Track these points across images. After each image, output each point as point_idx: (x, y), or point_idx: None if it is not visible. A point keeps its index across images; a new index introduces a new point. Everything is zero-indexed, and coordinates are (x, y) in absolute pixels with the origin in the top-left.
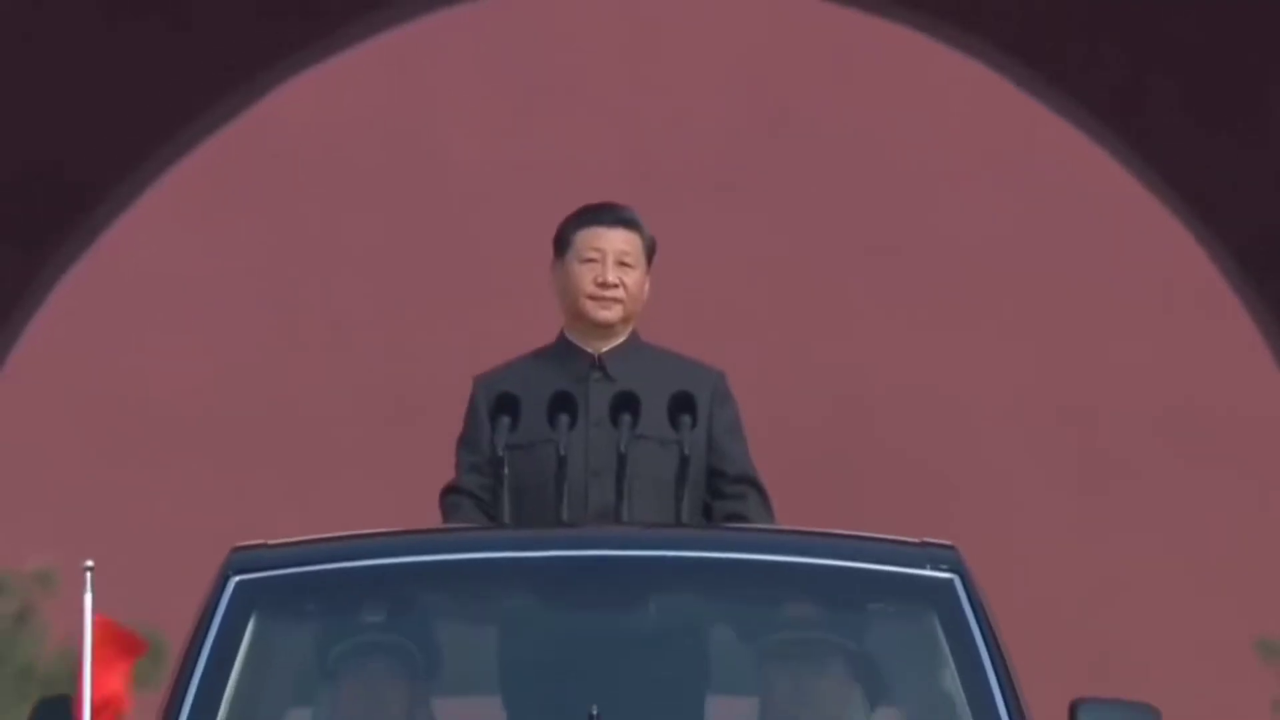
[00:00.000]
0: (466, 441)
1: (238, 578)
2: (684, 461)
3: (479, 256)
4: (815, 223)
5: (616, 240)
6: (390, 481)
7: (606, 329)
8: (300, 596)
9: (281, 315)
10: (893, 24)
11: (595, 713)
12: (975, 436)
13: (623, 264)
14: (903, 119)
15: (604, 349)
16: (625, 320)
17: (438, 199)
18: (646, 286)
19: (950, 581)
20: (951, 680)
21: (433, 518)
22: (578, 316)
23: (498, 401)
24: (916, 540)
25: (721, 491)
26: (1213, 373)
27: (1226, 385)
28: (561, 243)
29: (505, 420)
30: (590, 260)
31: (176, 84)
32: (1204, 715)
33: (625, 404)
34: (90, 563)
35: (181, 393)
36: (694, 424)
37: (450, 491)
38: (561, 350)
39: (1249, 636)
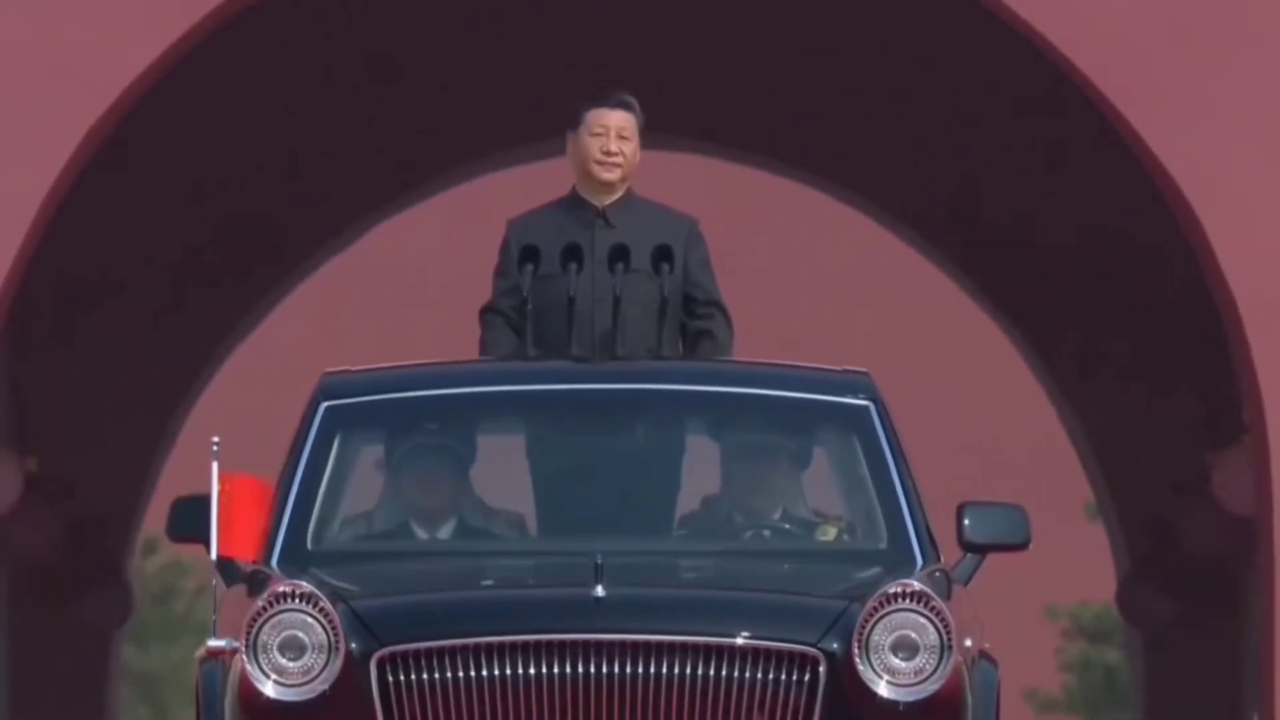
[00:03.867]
0: (501, 272)
1: (326, 403)
2: (664, 300)
3: None
4: None
5: (617, 119)
6: None
7: (609, 186)
8: (373, 416)
9: None
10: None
11: (600, 561)
12: None
13: (622, 137)
14: None
15: (606, 201)
16: (623, 180)
17: None
18: (638, 155)
19: (866, 408)
20: (866, 475)
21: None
22: (587, 176)
23: (523, 252)
24: (838, 370)
25: (694, 312)
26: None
27: None
28: (574, 120)
29: (529, 267)
30: (597, 134)
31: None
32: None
33: (620, 255)
34: (217, 439)
35: None
36: (671, 270)
37: (487, 310)
38: (574, 202)
39: (1038, 602)
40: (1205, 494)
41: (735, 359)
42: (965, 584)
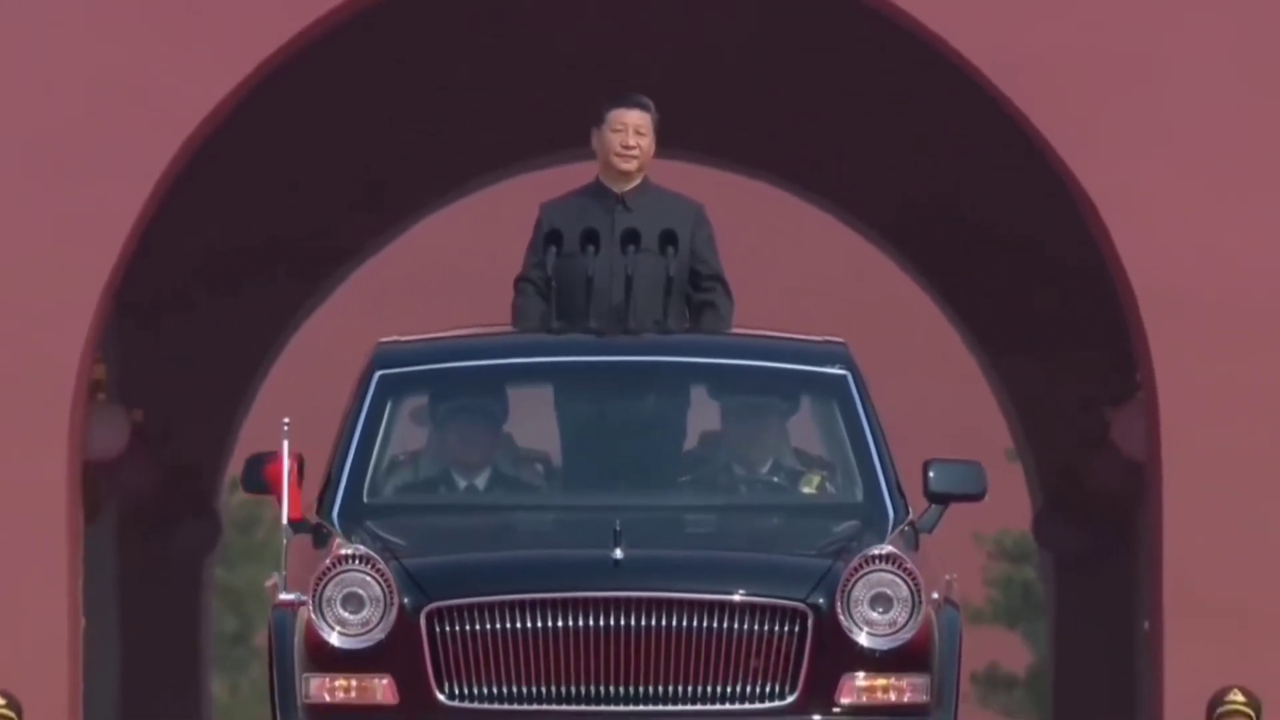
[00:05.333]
0: (532, 248)
1: (380, 371)
2: (669, 278)
3: None
4: None
5: (634, 117)
6: None
7: (627, 175)
8: (421, 383)
9: None
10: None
11: (618, 528)
12: None
13: (639, 133)
14: None
15: (625, 189)
16: (639, 170)
17: None
18: (653, 148)
19: (844, 376)
20: (844, 436)
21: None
22: (608, 166)
23: (547, 236)
24: (820, 341)
25: (699, 285)
26: None
27: None
28: (598, 118)
29: (553, 249)
30: (617, 130)
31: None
32: None
33: (632, 238)
34: (287, 420)
35: None
36: (676, 252)
37: (521, 280)
38: (598, 189)
39: (968, 530)
40: (1105, 442)
41: (733, 330)
42: (930, 531)
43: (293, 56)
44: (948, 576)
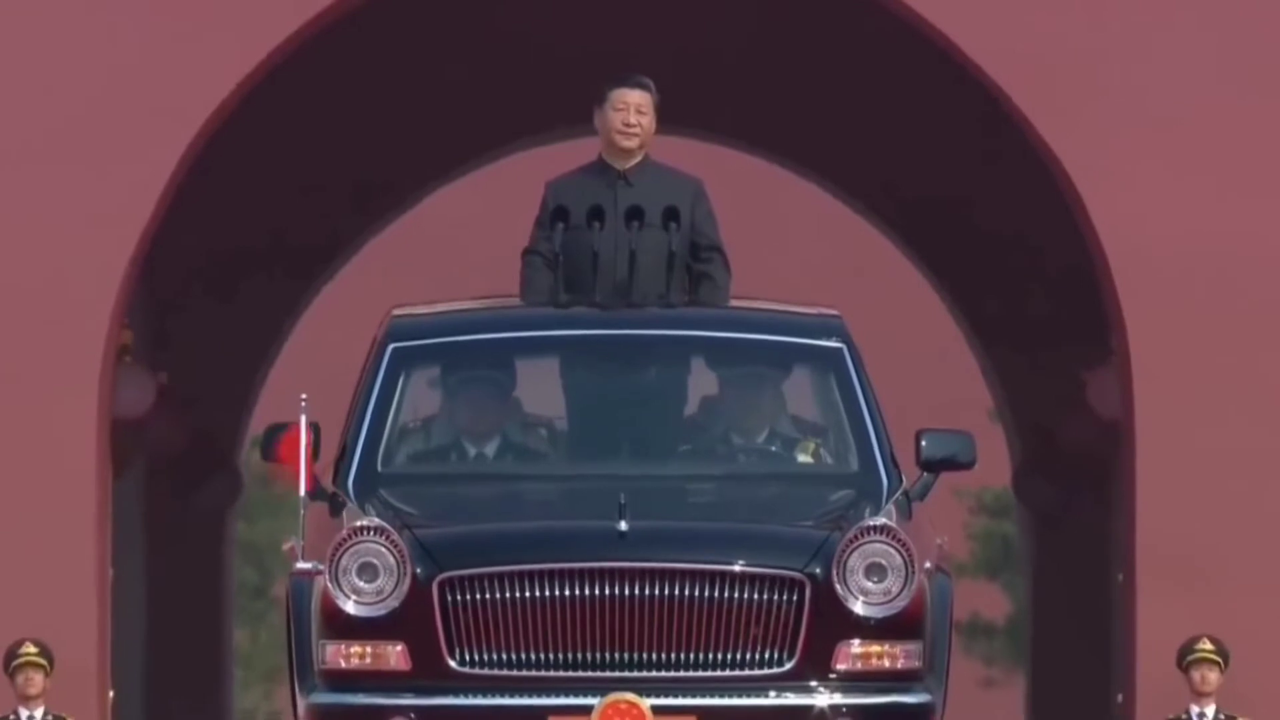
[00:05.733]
0: (539, 223)
1: (394, 344)
2: (671, 253)
3: None
4: None
5: (636, 97)
6: None
7: (628, 153)
8: (433, 355)
9: None
10: None
11: (623, 502)
12: None
13: (640, 112)
14: None
15: (627, 165)
16: (640, 147)
17: None
18: (654, 127)
19: (840, 349)
20: (840, 406)
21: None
22: (610, 144)
23: (555, 212)
24: (814, 313)
25: (699, 256)
26: None
27: None
28: (600, 97)
29: (560, 225)
30: (619, 109)
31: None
32: None
33: (635, 214)
34: (305, 396)
35: None
36: (678, 227)
37: (528, 252)
38: (601, 166)
39: (949, 487)
40: (1081, 403)
41: (731, 303)
42: (923, 499)
43: (346, 15)
44: (939, 540)
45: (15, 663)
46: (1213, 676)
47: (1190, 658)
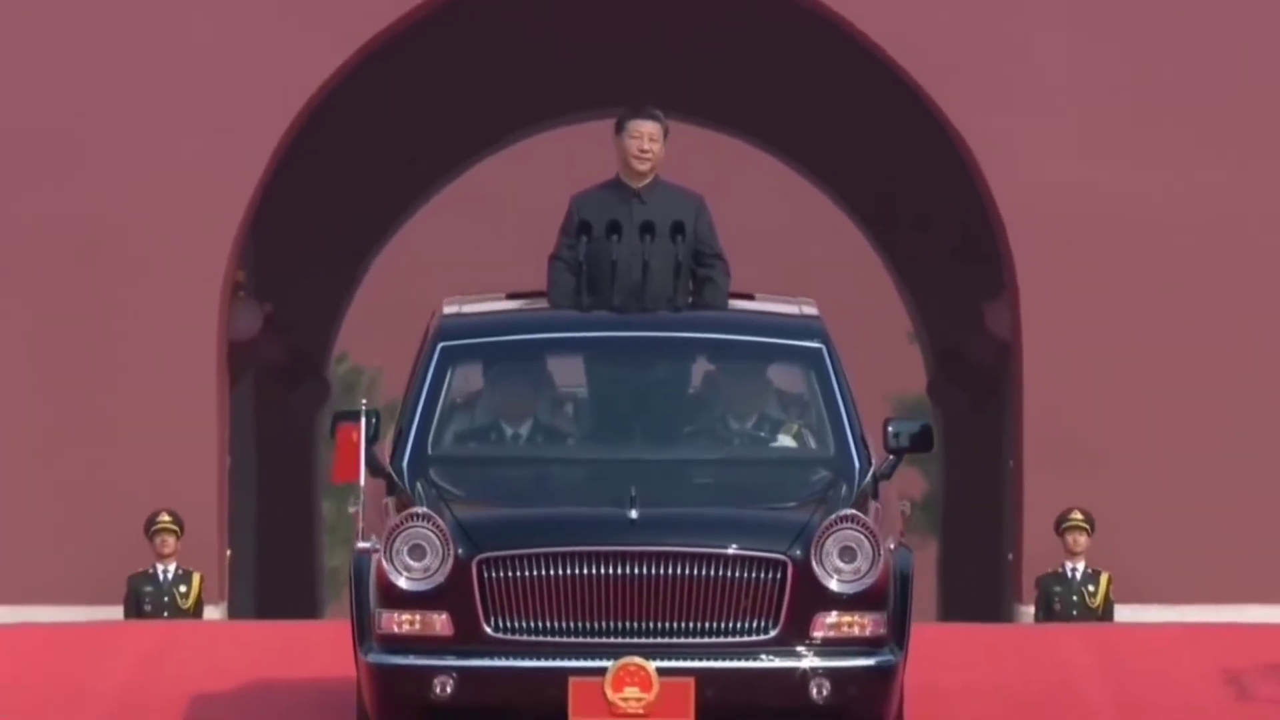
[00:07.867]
0: (564, 230)
1: (443, 343)
2: (678, 263)
3: None
4: None
5: (648, 127)
6: None
7: (642, 175)
8: (478, 353)
9: None
10: None
11: (634, 494)
12: None
13: (652, 140)
14: None
15: (640, 185)
16: (652, 170)
17: None
18: (664, 152)
19: (820, 349)
20: (819, 398)
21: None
22: (626, 166)
23: (579, 226)
24: (798, 314)
25: (702, 262)
26: None
27: None
28: (619, 126)
29: (583, 238)
30: (634, 138)
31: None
32: None
33: (648, 228)
34: (364, 400)
35: None
36: (684, 240)
37: (554, 258)
38: (617, 184)
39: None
40: (981, 326)
41: (729, 301)
42: (889, 478)
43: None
44: (902, 507)
45: (154, 528)
46: (1082, 540)
47: (1064, 525)
